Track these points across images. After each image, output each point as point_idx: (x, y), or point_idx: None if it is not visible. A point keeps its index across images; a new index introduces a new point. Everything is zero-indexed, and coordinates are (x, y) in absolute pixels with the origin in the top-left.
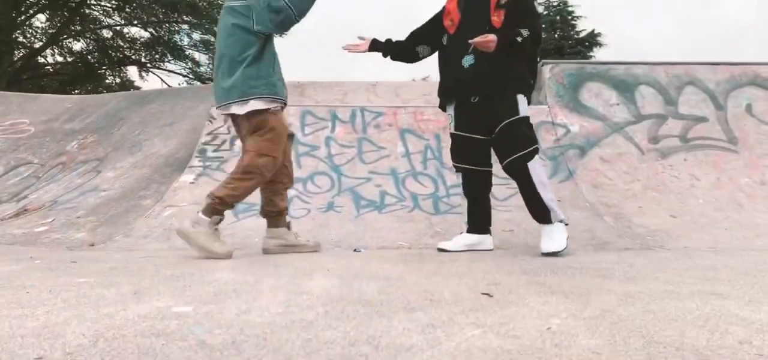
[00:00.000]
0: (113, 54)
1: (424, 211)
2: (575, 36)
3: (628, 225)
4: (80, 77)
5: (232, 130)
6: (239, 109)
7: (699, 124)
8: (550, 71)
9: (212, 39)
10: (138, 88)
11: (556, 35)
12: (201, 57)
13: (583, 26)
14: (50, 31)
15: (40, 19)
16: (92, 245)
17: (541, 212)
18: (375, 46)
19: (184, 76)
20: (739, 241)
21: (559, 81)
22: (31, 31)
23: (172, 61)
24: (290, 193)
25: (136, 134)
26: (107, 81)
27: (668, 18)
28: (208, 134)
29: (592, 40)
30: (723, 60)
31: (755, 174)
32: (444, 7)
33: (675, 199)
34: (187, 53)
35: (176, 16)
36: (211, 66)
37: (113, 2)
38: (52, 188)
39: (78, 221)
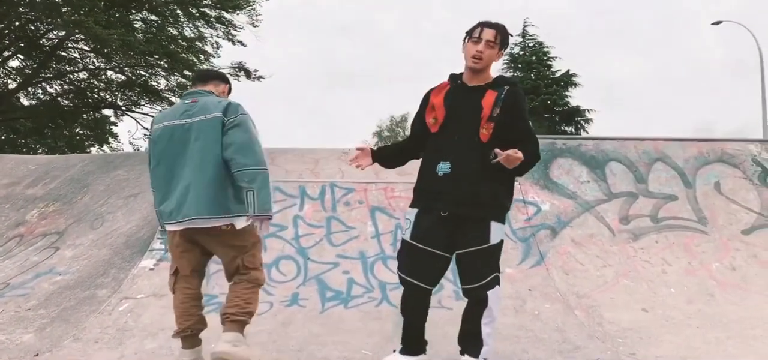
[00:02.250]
0: (89, 96)
1: (392, 304)
2: (551, 76)
3: (599, 322)
4: (55, 118)
5: None
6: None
7: (669, 203)
8: None
9: (188, 83)
10: (114, 124)
11: (532, 76)
12: (177, 100)
13: (558, 66)
14: (27, 72)
15: (17, 59)
16: (36, 356)
17: (472, 342)
18: (376, 157)
19: None
20: (711, 344)
21: None
22: (4, 70)
23: (149, 104)
24: None
25: (100, 205)
26: (78, 129)
27: (643, 56)
28: None
29: (567, 79)
30: (693, 98)
31: (725, 258)
32: (428, 99)
33: (646, 289)
34: (163, 96)
35: (153, 59)
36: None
37: (89, 45)
38: (7, 267)
39: (27, 315)
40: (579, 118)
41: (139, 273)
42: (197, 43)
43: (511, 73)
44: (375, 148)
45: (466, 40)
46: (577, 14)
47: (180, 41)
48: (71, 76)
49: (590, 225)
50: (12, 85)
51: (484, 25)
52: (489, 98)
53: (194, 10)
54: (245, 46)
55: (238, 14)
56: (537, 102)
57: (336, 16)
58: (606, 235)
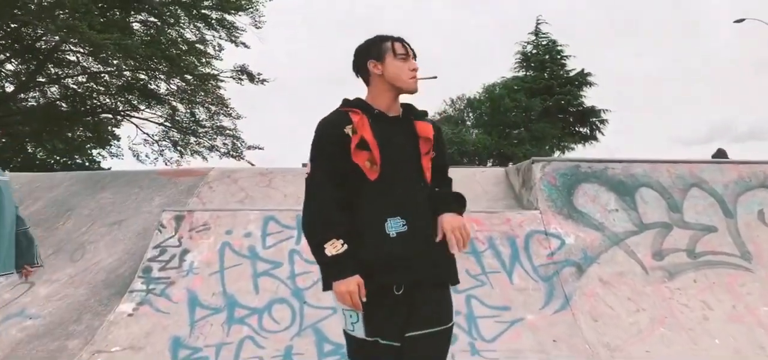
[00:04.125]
0: (87, 100)
1: None
2: (564, 75)
3: None
4: (53, 122)
5: (183, 241)
6: None
7: (708, 235)
8: (541, 170)
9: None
10: (116, 125)
11: (545, 75)
12: (179, 104)
13: (572, 65)
14: (22, 76)
15: (12, 63)
16: None
17: None
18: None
19: (161, 124)
20: None
21: (551, 182)
22: (2, 73)
23: (149, 108)
24: (243, 332)
25: (82, 233)
26: (80, 131)
27: (659, 52)
28: (156, 247)
29: (581, 79)
30: (715, 94)
31: None
32: (349, 135)
33: (687, 339)
34: (164, 99)
35: (152, 62)
36: (188, 115)
37: (87, 47)
38: None
39: None
40: (594, 119)
41: (117, 319)
42: (199, 45)
43: (524, 73)
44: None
45: (385, 57)
46: (591, 10)
47: (181, 44)
48: (69, 80)
49: (620, 261)
50: (9, 89)
51: (402, 39)
52: (424, 130)
53: (195, 12)
54: (248, 48)
55: (240, 16)
56: (550, 102)
57: (344, 15)
58: (638, 273)
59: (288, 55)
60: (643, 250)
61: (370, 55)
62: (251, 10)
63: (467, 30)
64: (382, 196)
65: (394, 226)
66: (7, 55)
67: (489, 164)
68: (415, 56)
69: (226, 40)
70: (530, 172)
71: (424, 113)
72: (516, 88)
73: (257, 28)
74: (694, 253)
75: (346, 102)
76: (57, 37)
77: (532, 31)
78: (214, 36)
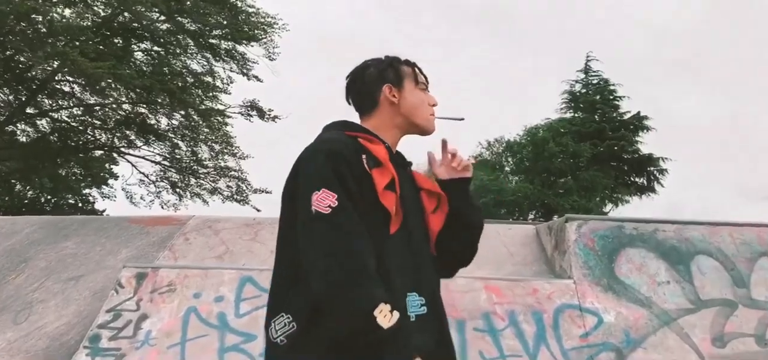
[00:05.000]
0: (79, 135)
1: None
2: (618, 118)
3: None
4: (42, 158)
5: (142, 304)
6: None
7: None
8: (576, 231)
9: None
10: (114, 163)
11: (595, 117)
12: (180, 142)
13: (627, 107)
14: (14, 106)
15: (2, 93)
16: None
17: None
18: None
19: (159, 162)
20: None
21: (588, 245)
22: None
23: (147, 145)
24: None
25: (33, 289)
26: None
27: (728, 94)
28: (109, 311)
29: (637, 123)
30: None
31: None
32: (365, 167)
33: None
34: (164, 135)
35: (152, 95)
36: (189, 153)
37: (83, 79)
38: None
39: None
40: (651, 168)
41: None
42: (206, 78)
43: (571, 114)
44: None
45: (405, 83)
46: (649, 47)
47: (186, 76)
48: (63, 113)
49: (671, 346)
50: None
51: (423, 71)
52: (425, 181)
53: (203, 41)
54: (261, 81)
55: (252, 46)
56: (601, 148)
57: (371, 48)
58: None
59: (304, 89)
60: (700, 333)
61: (386, 78)
62: (265, 40)
63: (508, 64)
64: (402, 259)
65: (414, 306)
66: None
67: (530, 217)
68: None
69: (236, 73)
70: (563, 232)
71: (409, 164)
72: (562, 131)
73: (271, 59)
74: (764, 339)
75: (345, 125)
76: (45, 66)
77: (581, 68)
78: (223, 68)
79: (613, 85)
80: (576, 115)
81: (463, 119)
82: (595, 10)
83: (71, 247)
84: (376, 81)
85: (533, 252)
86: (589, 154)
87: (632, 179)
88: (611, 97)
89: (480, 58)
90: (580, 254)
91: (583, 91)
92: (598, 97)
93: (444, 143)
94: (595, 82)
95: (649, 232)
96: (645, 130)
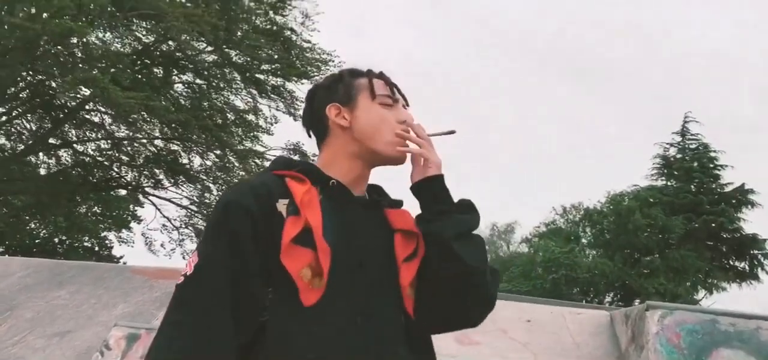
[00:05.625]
0: (102, 170)
1: None
2: (718, 190)
3: None
4: (58, 194)
5: None
6: None
7: None
8: (658, 322)
9: (228, 165)
10: (139, 204)
11: (692, 187)
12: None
13: (730, 178)
14: (39, 133)
15: (28, 120)
16: None
17: None
18: None
19: (186, 207)
20: None
21: (672, 341)
22: (12, 130)
23: (176, 186)
24: None
25: (13, 343)
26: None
27: None
28: None
29: (741, 197)
30: None
31: None
32: (279, 213)
33: None
34: (196, 177)
35: (187, 132)
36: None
37: (113, 110)
38: None
39: None
40: (755, 251)
41: None
42: (250, 116)
43: (663, 182)
44: None
45: (357, 100)
46: (758, 111)
47: (227, 112)
48: (87, 146)
49: None
50: (19, 148)
51: (383, 75)
52: (402, 220)
53: (249, 75)
54: None
55: (302, 83)
56: (697, 223)
57: (434, 88)
58: None
59: None
60: None
61: (332, 95)
62: (317, 78)
63: (592, 118)
64: (322, 344)
65: None
66: (22, 109)
67: (607, 300)
68: (406, 104)
69: (282, 111)
70: (643, 322)
71: (399, 202)
72: (651, 201)
73: None
74: None
75: (282, 163)
76: (74, 93)
77: (677, 130)
78: (269, 106)
79: (714, 151)
80: (668, 183)
81: (453, 132)
82: (696, 64)
83: (64, 296)
84: (323, 102)
85: (604, 344)
86: (681, 230)
87: (731, 263)
88: (711, 166)
89: (561, 108)
90: (662, 351)
91: (679, 156)
92: (695, 164)
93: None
94: (692, 146)
95: (750, 330)
96: (749, 206)
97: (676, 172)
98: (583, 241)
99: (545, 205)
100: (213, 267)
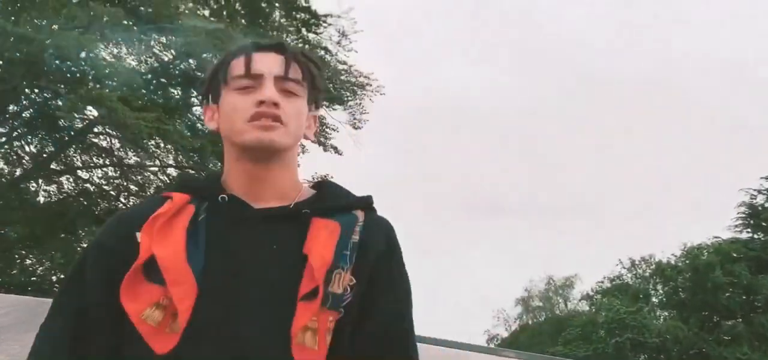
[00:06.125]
0: (108, 204)
1: None
2: None
3: None
4: (56, 226)
5: None
6: None
7: None
8: None
9: None
10: None
11: None
12: None
13: None
14: (43, 156)
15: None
16: None
17: None
18: None
19: None
20: None
21: None
22: (13, 153)
23: None
24: None
25: None
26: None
27: None
28: None
29: None
30: None
31: None
32: (137, 241)
33: None
34: None
35: (202, 159)
36: None
37: (121, 133)
38: None
39: None
40: None
41: None
42: None
43: (749, 235)
44: None
45: (222, 93)
46: None
47: None
48: (93, 173)
49: None
50: (18, 172)
51: (262, 47)
52: (321, 237)
53: None
54: (340, 153)
55: (334, 109)
56: None
57: (487, 120)
58: None
59: (390, 166)
60: None
61: (205, 94)
62: (352, 103)
63: (664, 160)
64: None
65: None
66: (23, 130)
67: None
68: (286, 74)
69: (309, 140)
70: None
71: (365, 200)
72: (735, 255)
73: (355, 128)
74: None
75: (179, 180)
76: (78, 113)
77: (766, 175)
78: None
79: None
80: (755, 236)
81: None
82: None
83: None
84: (203, 107)
85: None
86: None
87: None
88: None
89: (629, 147)
90: None
91: (767, 205)
92: None
93: None
94: None
95: None
96: None
97: (764, 224)
98: (654, 300)
99: (610, 258)
100: (55, 318)
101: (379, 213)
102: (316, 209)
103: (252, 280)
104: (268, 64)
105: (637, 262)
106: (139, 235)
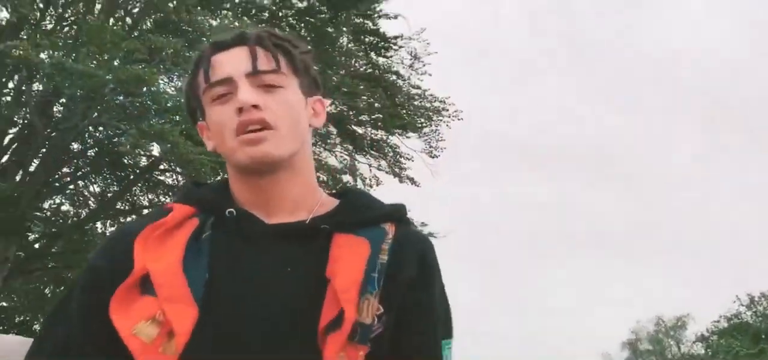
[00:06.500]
0: None
1: None
2: None
3: None
4: None
5: None
6: None
7: None
8: None
9: None
10: None
11: None
12: None
13: None
14: (108, 195)
15: (94, 182)
16: None
17: None
18: None
19: None
20: None
21: None
22: (78, 195)
23: None
24: None
25: None
26: None
27: None
28: None
29: None
30: None
31: None
32: (117, 267)
33: None
34: None
35: None
36: None
37: (193, 169)
38: None
39: None
40: None
41: None
42: (345, 176)
43: None
44: None
45: (204, 104)
46: None
47: (317, 172)
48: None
49: None
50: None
51: (221, 45)
52: (345, 257)
53: (348, 128)
54: (418, 185)
55: (408, 137)
56: None
57: (569, 143)
58: None
59: (473, 198)
60: None
61: (191, 114)
62: (427, 130)
63: None
64: None
65: None
66: (87, 170)
67: None
68: (255, 68)
69: (385, 171)
70: None
71: (396, 212)
72: None
73: (432, 157)
74: None
75: (183, 191)
76: (138, 150)
77: None
78: (370, 165)
79: None
80: None
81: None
82: None
83: None
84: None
85: None
86: None
87: None
88: None
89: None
90: None
91: None
92: None
93: None
94: None
95: None
96: None
97: None
98: None
99: (727, 294)
100: (36, 356)
101: (465, 250)
102: (336, 223)
103: (262, 305)
104: (234, 62)
105: (756, 299)
106: (122, 250)
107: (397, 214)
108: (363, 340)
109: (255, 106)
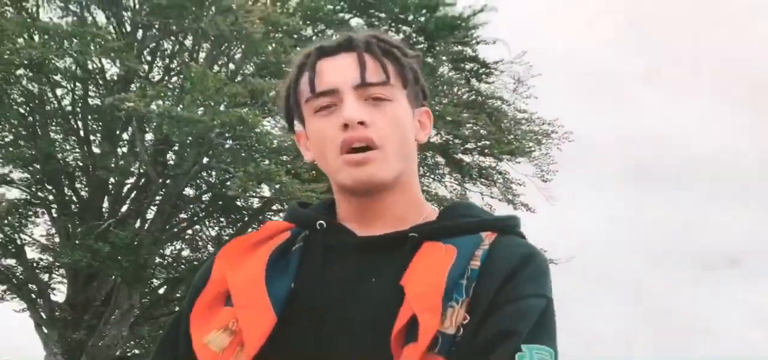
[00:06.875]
0: None
1: None
2: None
3: None
4: None
5: None
6: None
7: None
8: None
9: None
10: None
11: None
12: None
13: None
14: (224, 238)
15: (210, 225)
16: None
17: None
18: None
19: None
20: None
21: None
22: (197, 239)
23: None
24: None
25: None
26: None
27: None
28: None
29: None
30: None
31: None
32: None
33: None
34: None
35: None
36: None
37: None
38: None
39: None
40: None
41: None
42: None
43: None
44: None
45: (305, 117)
46: None
47: (431, 203)
48: None
49: None
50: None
51: (327, 51)
52: (425, 263)
53: (455, 156)
54: (533, 211)
55: (518, 162)
56: None
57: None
58: None
59: (592, 223)
60: None
61: (289, 122)
62: (537, 154)
63: None
64: None
65: None
66: (202, 214)
67: None
68: (364, 80)
69: (498, 199)
70: None
71: (502, 222)
72: None
73: (544, 181)
74: None
75: (290, 210)
76: (246, 192)
77: None
78: (482, 194)
79: None
80: None
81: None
82: None
83: None
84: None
85: None
86: None
87: None
88: None
89: None
90: None
91: None
92: None
93: None
94: None
95: None
96: None
97: None
98: None
99: None
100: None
101: (595, 275)
102: (427, 232)
103: (341, 317)
104: (341, 72)
105: None
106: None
107: (501, 223)
108: (444, 352)
109: (361, 123)
